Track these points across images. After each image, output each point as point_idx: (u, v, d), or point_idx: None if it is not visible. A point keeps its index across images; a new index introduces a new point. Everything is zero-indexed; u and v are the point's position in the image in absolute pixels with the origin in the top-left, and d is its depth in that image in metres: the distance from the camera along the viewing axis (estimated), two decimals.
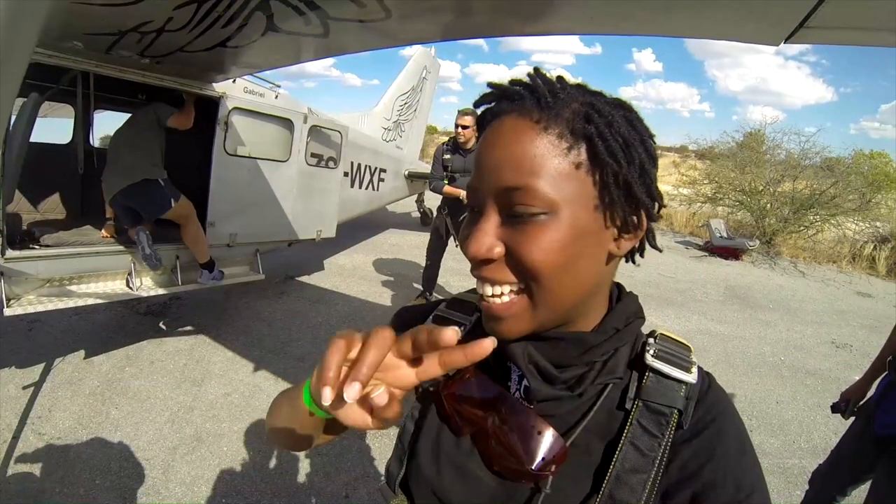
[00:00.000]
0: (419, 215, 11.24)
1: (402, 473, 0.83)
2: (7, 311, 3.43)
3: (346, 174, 6.64)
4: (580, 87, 0.65)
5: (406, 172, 9.08)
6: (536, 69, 0.66)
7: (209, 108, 4.47)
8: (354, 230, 8.95)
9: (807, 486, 2.68)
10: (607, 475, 0.67)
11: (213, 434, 3.37)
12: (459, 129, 5.34)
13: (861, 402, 2.46)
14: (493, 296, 0.65)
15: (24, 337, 4.39)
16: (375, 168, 7.78)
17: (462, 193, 5.29)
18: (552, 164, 0.59)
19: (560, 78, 0.65)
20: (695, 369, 0.71)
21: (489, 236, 0.62)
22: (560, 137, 0.59)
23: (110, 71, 3.62)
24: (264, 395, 3.90)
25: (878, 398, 2.28)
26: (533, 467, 0.65)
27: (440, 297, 4.79)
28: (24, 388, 3.68)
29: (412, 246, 8.05)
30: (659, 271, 9.23)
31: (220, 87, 4.34)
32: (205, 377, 4.06)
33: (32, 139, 3.46)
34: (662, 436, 0.66)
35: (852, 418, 2.48)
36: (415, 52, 10.18)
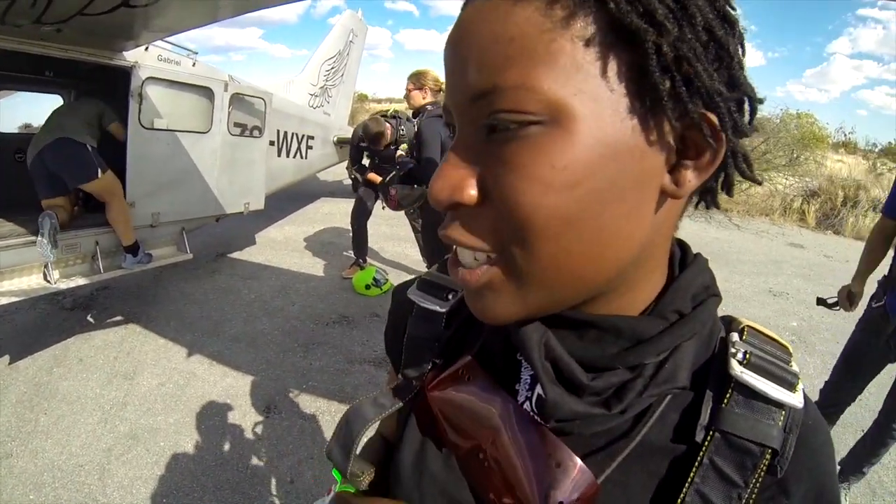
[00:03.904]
0: (351, 182, 10.91)
1: (350, 467, 0.62)
2: None
3: (272, 143, 6.42)
4: None
5: (335, 139, 8.86)
6: None
7: (121, 80, 4.17)
8: (285, 201, 8.76)
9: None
10: None
11: (148, 429, 3.22)
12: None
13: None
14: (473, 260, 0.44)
15: None
16: (303, 135, 7.59)
17: (378, 178, 5.31)
18: (542, 44, 0.36)
19: None
20: (800, 386, 0.48)
21: (456, 168, 0.41)
22: (552, 3, 0.36)
23: (7, 43, 3.31)
24: (199, 381, 3.76)
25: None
26: None
27: (374, 264, 4.77)
28: None
29: (345, 214, 7.79)
30: None
31: (131, 57, 4.05)
32: (137, 369, 3.87)
33: None
34: (746, 485, 0.44)
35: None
36: (342, 16, 9.85)
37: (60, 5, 2.74)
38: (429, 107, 4.07)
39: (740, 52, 0.41)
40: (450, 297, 0.63)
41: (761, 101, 0.42)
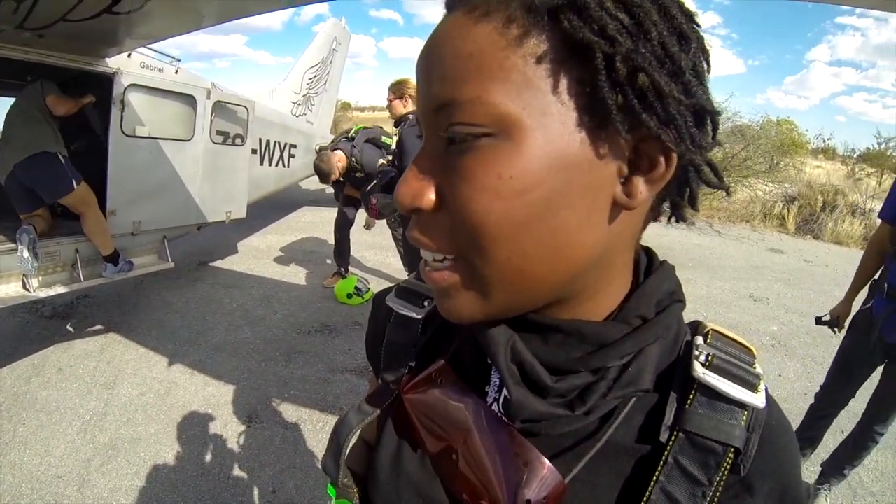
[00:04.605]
0: (333, 191, 10.84)
1: (340, 476, 0.64)
2: None
3: (254, 151, 6.41)
4: None
5: (317, 147, 8.71)
6: None
7: (103, 86, 4.13)
8: (267, 209, 8.72)
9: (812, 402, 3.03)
10: None
11: (128, 440, 3.18)
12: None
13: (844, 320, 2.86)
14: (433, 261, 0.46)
15: None
16: (285, 144, 7.58)
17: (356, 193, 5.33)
18: (496, 61, 0.39)
19: None
20: (762, 386, 0.49)
21: (417, 177, 0.44)
22: (508, 22, 0.39)
23: None
24: (180, 390, 3.72)
25: (881, 316, 2.54)
26: None
27: (356, 273, 4.76)
28: None
29: (327, 222, 7.83)
30: None
31: (113, 63, 4.02)
32: (117, 379, 3.82)
33: None
34: (710, 483, 0.46)
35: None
36: (325, 24, 9.87)
37: (43, 11, 2.72)
38: (410, 116, 4.07)
39: (704, 67, 0.43)
40: (426, 303, 0.65)
41: (719, 114, 0.43)
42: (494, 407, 0.53)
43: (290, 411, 3.55)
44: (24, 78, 4.39)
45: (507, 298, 0.45)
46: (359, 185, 5.09)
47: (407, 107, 4.16)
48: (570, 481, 0.48)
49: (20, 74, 4.23)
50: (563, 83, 0.39)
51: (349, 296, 5.39)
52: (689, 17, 0.42)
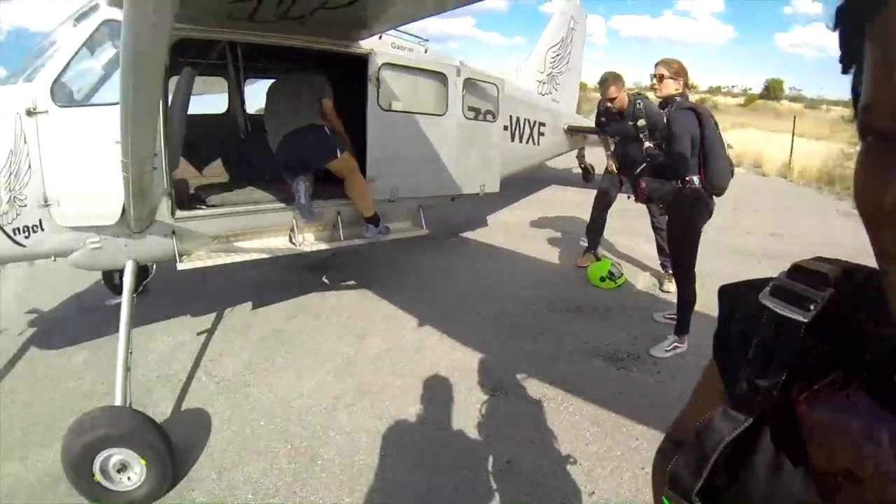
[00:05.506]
0: (580, 171, 10.68)
1: (699, 487, 0.56)
2: (179, 266, 3.60)
3: (504, 128, 6.42)
4: None
5: (565, 126, 8.63)
6: None
7: (358, 66, 4.46)
8: (515, 187, 8.71)
9: None
10: None
11: (375, 387, 3.40)
12: (608, 103, 5.30)
13: None
14: None
15: (198, 288, 4.77)
16: (534, 122, 7.48)
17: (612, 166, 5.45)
18: None
19: None
20: None
21: None
22: None
23: (255, 38, 3.72)
24: (428, 350, 3.88)
25: None
26: None
27: (608, 257, 4.51)
28: (198, 333, 4.01)
29: (574, 203, 7.84)
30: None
31: (367, 45, 4.32)
32: (367, 331, 4.12)
33: (191, 112, 3.77)
34: None
35: None
36: (560, 2, 9.72)
37: (304, 1, 2.96)
38: (678, 98, 3.75)
39: None
40: (811, 307, 0.56)
41: None
42: None
43: (535, 387, 3.46)
44: (284, 63, 4.78)
45: None
46: (628, 149, 4.92)
47: (679, 88, 3.76)
48: None
49: (283, 60, 4.70)
50: None
51: (602, 279, 5.20)
52: None
